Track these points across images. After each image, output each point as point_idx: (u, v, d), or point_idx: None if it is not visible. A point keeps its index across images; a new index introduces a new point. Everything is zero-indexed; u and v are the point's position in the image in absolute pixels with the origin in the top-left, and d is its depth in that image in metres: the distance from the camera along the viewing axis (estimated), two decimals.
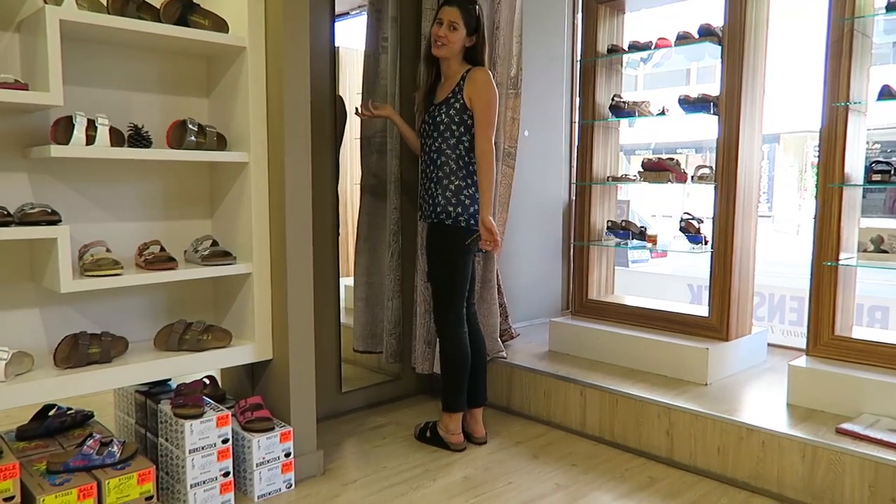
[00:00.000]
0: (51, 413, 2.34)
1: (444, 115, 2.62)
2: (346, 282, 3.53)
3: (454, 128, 2.60)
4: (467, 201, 2.61)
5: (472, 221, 2.62)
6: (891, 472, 2.11)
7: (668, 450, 2.65)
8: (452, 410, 2.75)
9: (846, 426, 2.33)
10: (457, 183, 2.61)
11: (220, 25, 2.31)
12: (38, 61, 1.97)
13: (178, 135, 2.28)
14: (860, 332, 2.76)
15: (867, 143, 2.77)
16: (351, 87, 3.81)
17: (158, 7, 2.19)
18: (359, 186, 3.31)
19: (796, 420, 2.46)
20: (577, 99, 3.58)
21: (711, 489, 2.44)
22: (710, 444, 2.53)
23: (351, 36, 3.85)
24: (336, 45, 3.00)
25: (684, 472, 2.57)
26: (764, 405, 2.63)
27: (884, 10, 2.54)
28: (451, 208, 2.61)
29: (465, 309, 2.76)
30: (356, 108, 2.94)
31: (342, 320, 3.17)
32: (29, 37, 2.04)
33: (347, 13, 3.88)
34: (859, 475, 2.17)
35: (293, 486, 2.41)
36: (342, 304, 3.21)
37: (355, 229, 3.33)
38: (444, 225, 2.63)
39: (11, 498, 1.88)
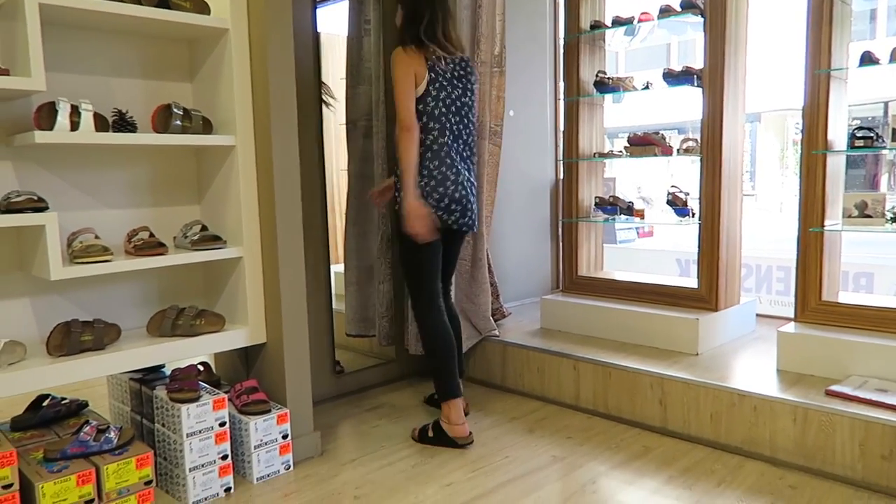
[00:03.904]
0: (45, 403, 2.32)
1: None
2: (336, 268, 3.52)
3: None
4: None
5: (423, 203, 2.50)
6: (880, 430, 2.15)
7: (661, 419, 2.68)
8: (449, 397, 2.59)
9: (836, 388, 2.37)
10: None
11: (202, 7, 2.29)
12: (19, 47, 1.95)
13: (164, 119, 2.26)
14: (846, 298, 2.80)
15: (848, 118, 2.79)
16: (334, 73, 3.80)
17: None
18: (346, 172, 3.30)
19: (787, 384, 2.50)
20: (562, 76, 3.58)
21: (705, 455, 2.48)
22: (702, 412, 2.56)
23: (332, 21, 3.82)
24: (318, 30, 2.98)
25: (678, 441, 2.61)
26: (754, 372, 2.66)
27: None
28: (397, 193, 2.54)
29: (438, 290, 2.64)
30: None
31: (333, 306, 3.17)
32: (8, 22, 2.01)
33: None
34: (850, 434, 2.21)
35: (292, 468, 2.41)
36: (333, 290, 3.21)
37: (343, 215, 3.32)
38: (395, 210, 2.57)
39: (10, 485, 1.87)
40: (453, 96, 2.55)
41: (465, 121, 2.61)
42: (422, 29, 2.50)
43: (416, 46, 2.49)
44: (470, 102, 2.62)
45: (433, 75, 2.49)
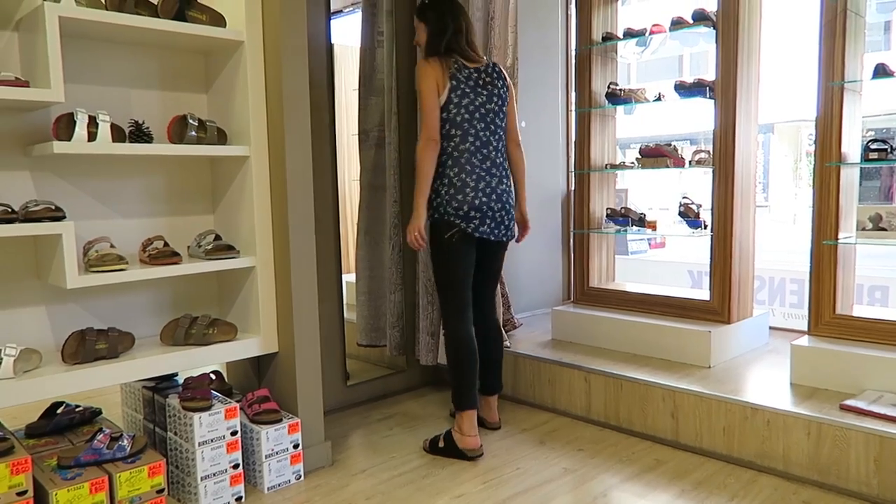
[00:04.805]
0: (59, 410, 2.34)
1: None
2: (348, 278, 3.54)
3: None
4: (433, 194, 2.55)
5: (442, 212, 2.52)
6: (895, 446, 2.12)
7: (673, 432, 2.66)
8: (464, 408, 2.58)
9: (850, 402, 2.34)
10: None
11: (218, 20, 2.32)
12: (38, 58, 1.98)
13: (179, 130, 2.29)
14: (861, 311, 2.78)
15: (862, 130, 2.78)
16: (347, 84, 3.83)
17: (156, 3, 2.21)
18: (357, 182, 3.32)
19: (800, 398, 2.48)
20: (574, 88, 3.58)
21: (718, 469, 2.46)
22: (715, 425, 2.54)
23: (345, 33, 3.86)
24: (331, 42, 3.01)
25: (690, 454, 2.59)
26: (767, 385, 2.64)
27: None
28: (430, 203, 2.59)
29: (467, 300, 2.63)
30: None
31: (345, 316, 3.18)
32: (28, 35, 2.05)
33: (341, 11, 3.90)
34: (864, 450, 2.19)
35: (302, 478, 2.42)
36: (344, 300, 3.22)
37: (355, 224, 3.34)
38: (430, 219, 2.60)
39: (24, 492, 1.88)
40: (476, 103, 2.56)
41: (493, 127, 2.60)
42: (445, 40, 2.57)
43: (438, 57, 2.55)
44: (496, 108, 2.61)
45: (454, 83, 2.53)
